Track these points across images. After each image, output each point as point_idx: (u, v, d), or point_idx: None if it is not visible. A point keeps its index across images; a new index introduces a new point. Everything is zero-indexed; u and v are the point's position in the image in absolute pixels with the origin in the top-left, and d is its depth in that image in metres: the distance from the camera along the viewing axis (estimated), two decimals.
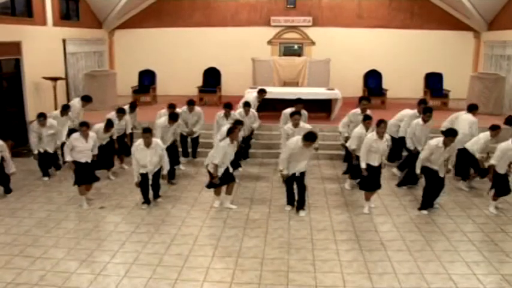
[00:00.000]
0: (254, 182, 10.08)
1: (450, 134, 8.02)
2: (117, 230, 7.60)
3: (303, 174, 8.19)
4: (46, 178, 10.18)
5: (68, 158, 8.69)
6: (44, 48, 13.53)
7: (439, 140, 8.10)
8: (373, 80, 16.14)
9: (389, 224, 7.83)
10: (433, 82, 15.77)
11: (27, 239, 7.25)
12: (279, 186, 9.19)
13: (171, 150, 9.68)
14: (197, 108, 11.13)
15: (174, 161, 9.75)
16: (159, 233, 7.46)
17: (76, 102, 11.59)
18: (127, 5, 16.72)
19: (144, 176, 8.41)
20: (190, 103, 10.93)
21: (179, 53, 17.56)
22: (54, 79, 13.23)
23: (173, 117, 9.70)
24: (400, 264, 6.44)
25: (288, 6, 17.35)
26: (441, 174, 8.23)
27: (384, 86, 15.93)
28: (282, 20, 17.40)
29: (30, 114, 12.84)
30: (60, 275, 6.17)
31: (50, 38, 14.01)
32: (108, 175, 10.21)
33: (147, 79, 16.79)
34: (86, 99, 11.53)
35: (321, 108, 13.27)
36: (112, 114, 10.47)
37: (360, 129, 8.98)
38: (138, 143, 8.38)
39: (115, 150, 10.41)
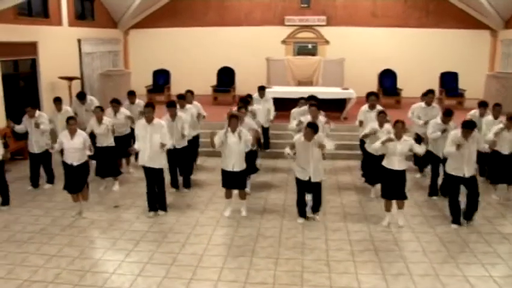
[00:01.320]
0: (270, 176, 10.13)
1: (468, 126, 7.44)
2: (131, 229, 7.62)
3: (319, 184, 7.87)
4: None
5: (56, 147, 8.25)
6: (59, 48, 13.67)
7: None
8: (387, 79, 16.06)
9: (404, 225, 7.75)
10: (449, 81, 15.67)
11: (42, 237, 7.32)
12: (294, 185, 9.15)
13: (189, 154, 9.58)
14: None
15: (190, 168, 9.71)
16: (173, 232, 7.48)
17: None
18: (142, 5, 16.83)
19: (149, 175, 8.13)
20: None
21: (193, 53, 17.63)
22: (70, 79, 13.36)
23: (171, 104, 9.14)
24: (415, 265, 6.38)
25: (302, 6, 17.32)
26: (467, 174, 7.55)
27: (399, 85, 15.84)
28: (296, 19, 17.39)
29: (47, 113, 12.92)
30: (76, 273, 6.21)
31: (65, 38, 14.14)
32: (114, 183, 9.68)
33: (161, 78, 16.88)
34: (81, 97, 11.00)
35: (335, 107, 13.21)
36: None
37: (374, 124, 8.60)
38: (142, 121, 8.07)
39: (119, 153, 9.85)
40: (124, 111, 10.05)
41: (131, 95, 10.78)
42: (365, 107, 9.69)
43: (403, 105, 14.63)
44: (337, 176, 10.42)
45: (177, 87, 16.65)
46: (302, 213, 7.96)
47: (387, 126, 8.35)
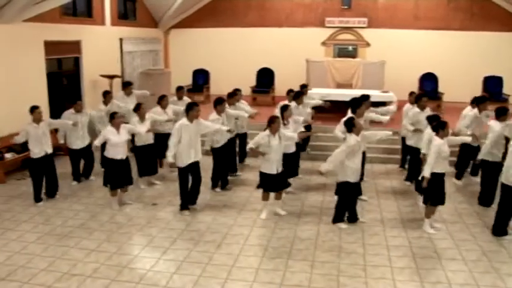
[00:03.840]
0: (308, 178, 10.10)
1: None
2: (168, 227, 7.69)
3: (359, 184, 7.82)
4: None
5: (96, 143, 8.35)
6: (102, 47, 13.94)
7: None
8: (428, 82, 15.78)
9: (443, 232, 7.56)
10: (492, 86, 15.26)
11: (82, 231, 7.46)
12: (332, 188, 9.07)
13: (228, 152, 9.62)
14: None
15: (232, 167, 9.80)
16: (210, 232, 7.51)
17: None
18: (182, 5, 16.99)
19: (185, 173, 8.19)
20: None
21: (233, 53, 17.70)
22: (111, 77, 13.57)
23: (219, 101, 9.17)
24: (454, 273, 6.22)
25: (343, 7, 17.16)
26: None
27: (440, 89, 15.53)
28: (336, 21, 17.22)
29: (88, 110, 13.21)
30: (113, 268, 6.30)
31: (108, 37, 14.41)
32: (151, 180, 9.83)
33: (201, 78, 17.02)
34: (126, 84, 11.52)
35: None
36: (155, 110, 9.98)
37: (429, 130, 8.14)
38: (182, 121, 8.02)
39: (159, 152, 9.77)
40: (173, 107, 10.27)
41: (179, 90, 10.92)
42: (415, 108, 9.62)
43: (444, 109, 14.32)
44: (375, 180, 10.28)
45: (216, 87, 16.83)
46: (341, 217, 7.84)
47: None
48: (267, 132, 7.80)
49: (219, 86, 16.91)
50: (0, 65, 10.06)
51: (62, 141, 9.74)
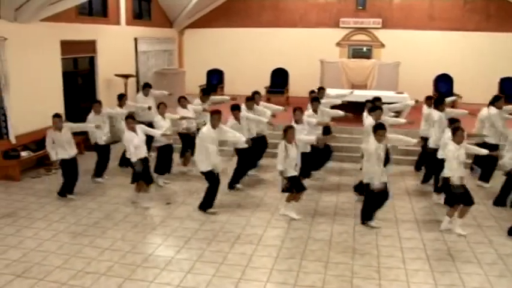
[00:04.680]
0: (322, 179, 10.04)
1: None
2: (182, 226, 7.71)
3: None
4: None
5: (131, 158, 8.45)
6: (117, 46, 14.01)
7: None
8: (443, 84, 15.65)
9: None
10: (509, 87, 15.08)
11: (96, 230, 7.51)
12: (346, 189, 9.07)
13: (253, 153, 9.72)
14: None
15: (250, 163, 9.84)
16: (224, 232, 7.51)
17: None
18: (197, 5, 17.05)
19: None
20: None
21: (247, 53, 17.73)
22: (126, 76, 13.64)
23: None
24: (469, 276, 6.16)
25: (358, 8, 17.10)
26: None
27: (455, 90, 15.39)
28: (351, 21, 17.16)
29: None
30: (127, 267, 6.33)
31: (122, 36, 14.49)
32: (158, 181, 9.66)
33: (215, 78, 17.04)
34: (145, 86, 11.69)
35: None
36: (180, 110, 10.28)
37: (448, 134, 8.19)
38: (206, 127, 8.17)
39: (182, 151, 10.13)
40: (194, 107, 10.49)
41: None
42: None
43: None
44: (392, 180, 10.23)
45: (230, 87, 16.85)
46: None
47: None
48: (284, 142, 7.86)
49: (233, 86, 16.96)
50: (17, 64, 10.14)
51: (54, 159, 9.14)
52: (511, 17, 16.04)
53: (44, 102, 10.87)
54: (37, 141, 10.52)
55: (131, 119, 8.45)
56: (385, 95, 13.17)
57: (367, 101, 10.17)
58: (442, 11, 16.66)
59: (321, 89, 11.61)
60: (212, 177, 8.22)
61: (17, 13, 9.94)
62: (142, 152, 8.47)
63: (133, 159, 8.30)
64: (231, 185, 9.47)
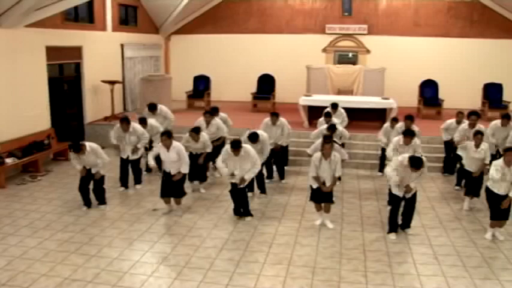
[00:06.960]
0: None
1: None
2: (169, 233, 7.69)
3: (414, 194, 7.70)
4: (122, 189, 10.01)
5: (150, 161, 8.68)
6: (103, 52, 13.98)
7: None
8: (429, 89, 15.76)
9: (444, 238, 7.58)
10: (492, 93, 15.26)
11: (83, 237, 7.45)
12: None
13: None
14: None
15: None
16: (211, 238, 7.50)
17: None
18: (183, 11, 17.04)
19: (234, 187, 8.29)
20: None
21: (234, 59, 17.76)
22: (112, 82, 13.59)
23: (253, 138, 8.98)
24: (455, 280, 6.22)
25: (344, 14, 17.22)
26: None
27: (440, 95, 15.54)
28: (337, 27, 17.29)
29: (88, 116, 13.30)
30: (114, 274, 6.29)
31: (109, 42, 14.46)
32: (199, 188, 9.88)
33: (201, 84, 17.00)
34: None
35: (375, 117, 13.08)
36: (199, 121, 10.32)
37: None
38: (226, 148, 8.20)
39: (209, 158, 10.02)
40: (218, 122, 10.45)
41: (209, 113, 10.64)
42: (452, 121, 10.50)
43: (444, 116, 14.32)
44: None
45: (217, 93, 16.84)
46: (394, 227, 7.73)
47: (483, 147, 8.64)
48: (318, 156, 7.84)
49: (219, 92, 16.96)
50: (1, 70, 10.08)
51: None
52: (493, 23, 16.32)
53: (29, 108, 10.80)
54: (22, 148, 10.45)
55: (164, 136, 8.32)
56: (371, 100, 13.34)
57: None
58: (427, 18, 16.86)
59: (335, 106, 11.44)
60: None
61: (1, 18, 9.87)
62: (168, 167, 8.40)
63: (151, 162, 8.61)
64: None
